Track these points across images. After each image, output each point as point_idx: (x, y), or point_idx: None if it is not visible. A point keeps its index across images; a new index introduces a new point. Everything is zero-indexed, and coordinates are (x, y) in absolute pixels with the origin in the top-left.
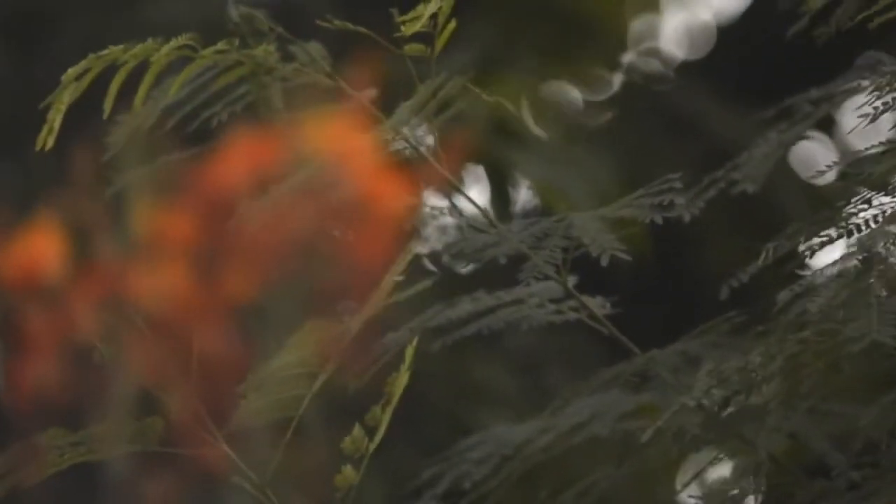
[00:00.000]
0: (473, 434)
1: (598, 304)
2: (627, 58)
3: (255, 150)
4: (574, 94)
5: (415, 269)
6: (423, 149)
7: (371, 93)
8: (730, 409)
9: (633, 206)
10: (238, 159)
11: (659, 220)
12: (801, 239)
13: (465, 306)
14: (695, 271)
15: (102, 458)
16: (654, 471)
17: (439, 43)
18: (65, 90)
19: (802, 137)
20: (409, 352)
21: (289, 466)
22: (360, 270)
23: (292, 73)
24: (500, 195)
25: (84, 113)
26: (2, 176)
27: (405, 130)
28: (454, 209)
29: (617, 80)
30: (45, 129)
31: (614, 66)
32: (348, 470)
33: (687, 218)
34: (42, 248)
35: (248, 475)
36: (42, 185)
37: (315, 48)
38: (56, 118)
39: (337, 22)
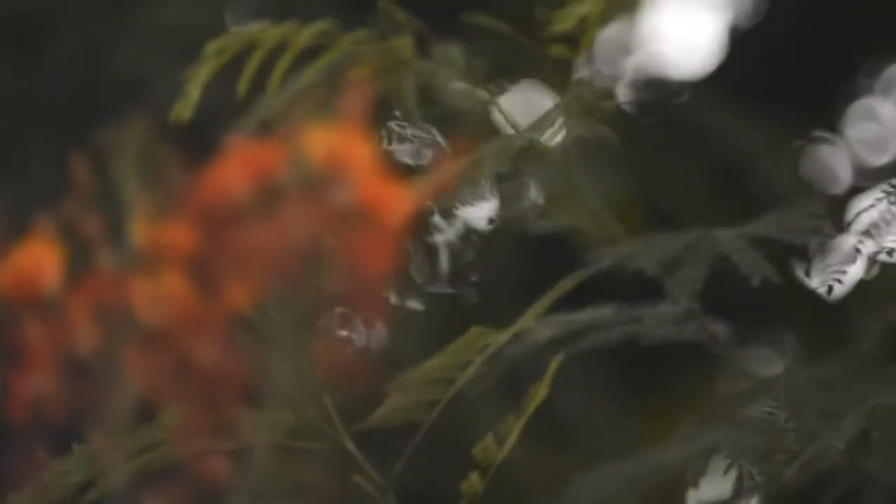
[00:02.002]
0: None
1: (720, 329)
2: (636, 67)
3: (255, 158)
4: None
5: (405, 285)
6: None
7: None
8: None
9: (777, 227)
10: (237, 168)
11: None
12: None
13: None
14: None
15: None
16: None
17: (583, 46)
18: (205, 64)
19: None
20: (554, 365)
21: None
22: (361, 280)
23: (428, 71)
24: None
25: (82, 122)
26: None
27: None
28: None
29: (627, 89)
30: (183, 101)
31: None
32: (475, 477)
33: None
34: (39, 258)
35: (371, 475)
36: (39, 196)
37: (454, 48)
38: (194, 91)
39: (482, 19)
